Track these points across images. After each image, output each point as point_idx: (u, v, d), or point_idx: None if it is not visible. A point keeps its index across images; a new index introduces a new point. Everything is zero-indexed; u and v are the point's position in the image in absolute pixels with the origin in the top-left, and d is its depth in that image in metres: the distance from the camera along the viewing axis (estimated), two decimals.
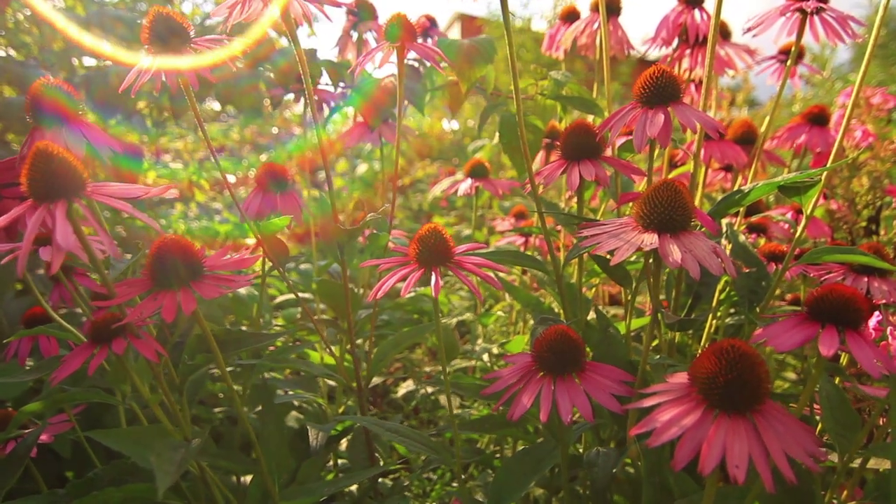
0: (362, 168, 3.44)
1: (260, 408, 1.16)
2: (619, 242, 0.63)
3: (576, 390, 0.61)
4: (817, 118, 1.12)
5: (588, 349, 0.89)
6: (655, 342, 0.94)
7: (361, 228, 0.82)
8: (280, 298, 1.55)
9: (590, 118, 0.97)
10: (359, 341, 1.62)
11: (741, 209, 0.97)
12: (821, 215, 1.20)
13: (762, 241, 1.03)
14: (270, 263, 0.86)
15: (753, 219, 0.92)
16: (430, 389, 1.57)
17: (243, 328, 1.61)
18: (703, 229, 0.76)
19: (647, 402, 0.56)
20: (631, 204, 0.74)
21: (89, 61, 1.79)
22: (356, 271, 1.21)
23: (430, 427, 1.60)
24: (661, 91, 0.67)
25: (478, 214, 3.16)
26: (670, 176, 1.19)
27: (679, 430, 0.51)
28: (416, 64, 1.20)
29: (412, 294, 1.55)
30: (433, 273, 0.63)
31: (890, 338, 0.73)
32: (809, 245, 1.21)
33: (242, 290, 1.51)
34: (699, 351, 0.97)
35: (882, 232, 1.15)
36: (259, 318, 1.53)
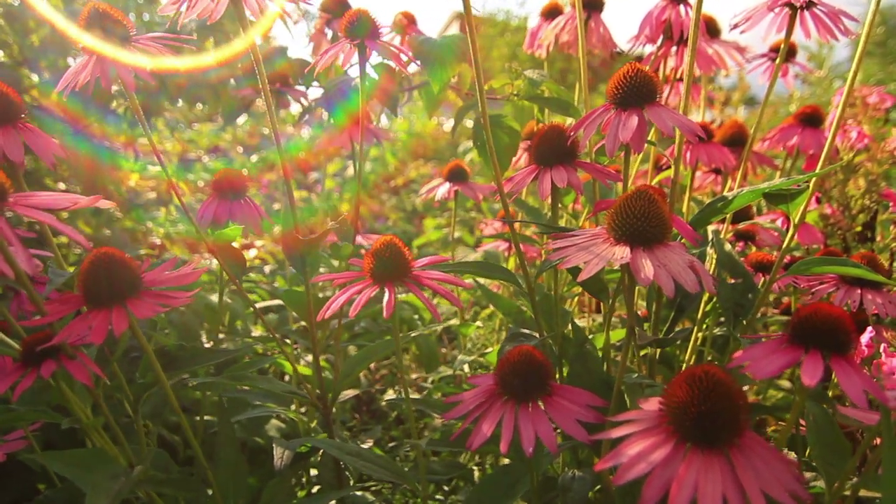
0: (352, 169, 3.39)
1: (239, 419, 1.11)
2: (589, 256, 0.58)
3: (540, 418, 0.57)
4: (810, 119, 1.07)
5: (565, 364, 0.85)
6: (633, 356, 0.90)
7: (321, 239, 0.77)
8: (260, 305, 1.50)
9: (569, 121, 0.92)
10: (331, 355, 1.58)
11: (728, 216, 0.92)
12: (814, 220, 1.15)
13: (753, 248, 0.98)
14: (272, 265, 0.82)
15: (741, 226, 0.87)
16: (415, 397, 1.53)
17: (220, 337, 1.56)
18: (682, 240, 0.71)
19: (616, 433, 0.51)
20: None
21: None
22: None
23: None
24: (636, 92, 0.62)
25: (470, 216, 3.11)
26: (655, 179, 1.14)
27: (647, 467, 0.47)
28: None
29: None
30: (387, 290, 0.58)
31: (883, 355, 0.68)
32: (801, 253, 1.16)
33: (213, 298, 1.47)
34: (684, 365, 0.92)
35: (878, 237, 1.10)
36: (230, 327, 1.49)
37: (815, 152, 1.07)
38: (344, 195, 3.43)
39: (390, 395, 1.63)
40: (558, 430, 0.64)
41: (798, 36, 0.89)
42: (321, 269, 1.30)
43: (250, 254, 2.07)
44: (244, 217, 0.81)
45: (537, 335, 0.79)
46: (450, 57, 0.93)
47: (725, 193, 0.71)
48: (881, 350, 0.68)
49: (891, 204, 1.10)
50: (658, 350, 0.86)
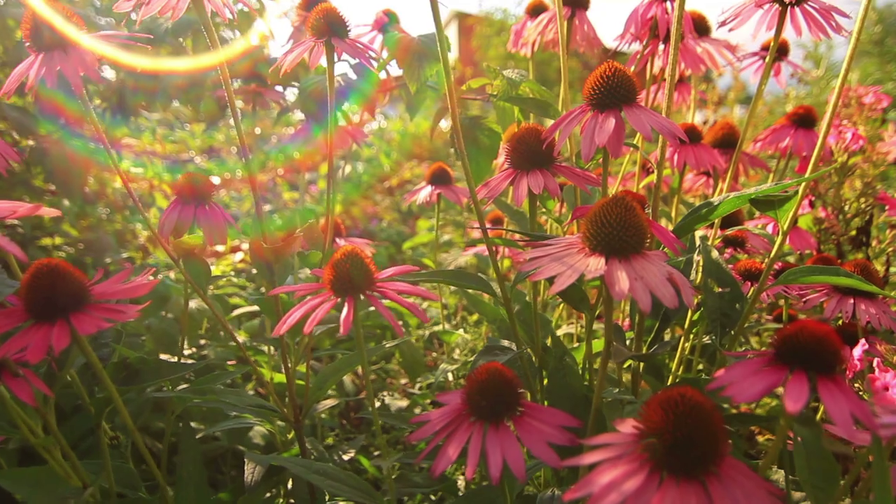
0: (346, 170, 3.36)
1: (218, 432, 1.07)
2: (562, 267, 0.54)
3: (509, 440, 0.53)
4: (803, 119, 1.03)
5: (546, 376, 0.81)
6: (618, 365, 0.86)
7: (289, 246, 0.73)
8: (238, 311, 1.46)
9: (549, 123, 0.88)
10: (316, 362, 1.54)
11: (716, 221, 0.89)
12: (808, 224, 1.11)
13: (743, 256, 0.95)
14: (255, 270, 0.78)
15: (730, 232, 0.84)
16: (404, 404, 1.49)
17: (202, 343, 1.52)
18: (664, 249, 0.67)
19: (587, 460, 0.47)
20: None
21: None
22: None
23: (398, 448, 1.52)
24: (613, 92, 0.59)
25: (463, 217, 3.07)
26: (643, 183, 1.11)
27: (618, 498, 0.43)
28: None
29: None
30: (346, 304, 0.55)
31: (877, 370, 0.64)
32: (795, 259, 1.13)
33: (192, 304, 1.43)
34: (670, 378, 0.89)
35: (874, 242, 1.07)
36: (214, 333, 1.45)
37: (808, 154, 1.04)
38: (336, 196, 3.40)
39: (383, 398, 1.59)
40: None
41: (796, 34, 0.86)
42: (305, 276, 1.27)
43: (236, 257, 2.04)
44: (209, 223, 0.77)
45: (515, 347, 0.75)
46: (428, 56, 0.90)
47: (711, 199, 0.68)
48: (874, 365, 0.65)
49: (887, 207, 1.06)
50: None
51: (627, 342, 0.83)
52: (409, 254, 2.95)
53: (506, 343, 0.78)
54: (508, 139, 0.72)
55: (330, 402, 1.13)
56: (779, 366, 0.47)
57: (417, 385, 1.53)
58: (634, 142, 0.74)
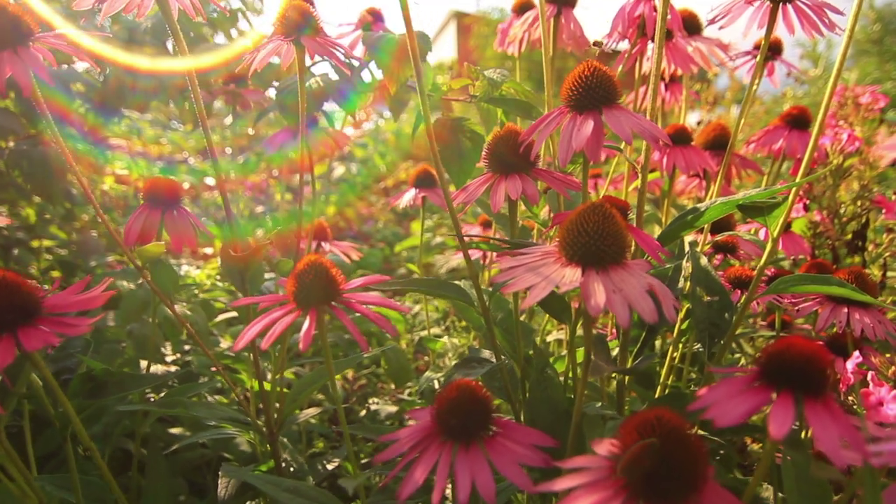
0: (339, 171, 3.32)
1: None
2: (537, 279, 0.51)
3: (479, 463, 0.50)
4: (797, 120, 1.00)
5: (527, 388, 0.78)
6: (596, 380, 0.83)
7: (258, 253, 0.70)
8: (222, 316, 1.43)
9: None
10: (301, 368, 1.50)
11: (706, 226, 0.86)
12: (802, 228, 1.08)
13: (736, 262, 0.91)
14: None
15: (720, 237, 0.81)
16: (394, 409, 1.46)
17: (186, 349, 1.49)
18: (648, 257, 0.64)
19: (560, 485, 0.44)
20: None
21: None
22: None
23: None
24: (592, 93, 0.56)
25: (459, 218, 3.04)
26: (633, 185, 1.08)
27: None
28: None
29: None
30: (308, 318, 0.52)
31: (871, 384, 0.61)
32: (789, 264, 1.09)
33: (177, 308, 1.40)
34: (658, 390, 0.86)
35: (871, 247, 1.04)
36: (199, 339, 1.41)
37: (803, 156, 1.01)
38: (330, 198, 3.36)
39: (374, 403, 1.57)
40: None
41: (789, 32, 0.83)
42: None
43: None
44: (177, 229, 0.74)
45: (495, 358, 0.72)
46: (405, 55, 0.87)
47: (698, 205, 0.64)
48: (868, 378, 0.62)
49: (884, 211, 1.03)
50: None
51: (615, 352, 0.80)
52: (404, 255, 2.92)
53: (486, 354, 0.75)
54: (488, 142, 0.69)
55: (312, 411, 1.10)
56: (764, 385, 0.44)
57: (407, 391, 1.50)
58: (621, 145, 0.71)
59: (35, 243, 1.87)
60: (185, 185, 3.15)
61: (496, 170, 0.67)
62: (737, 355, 1.08)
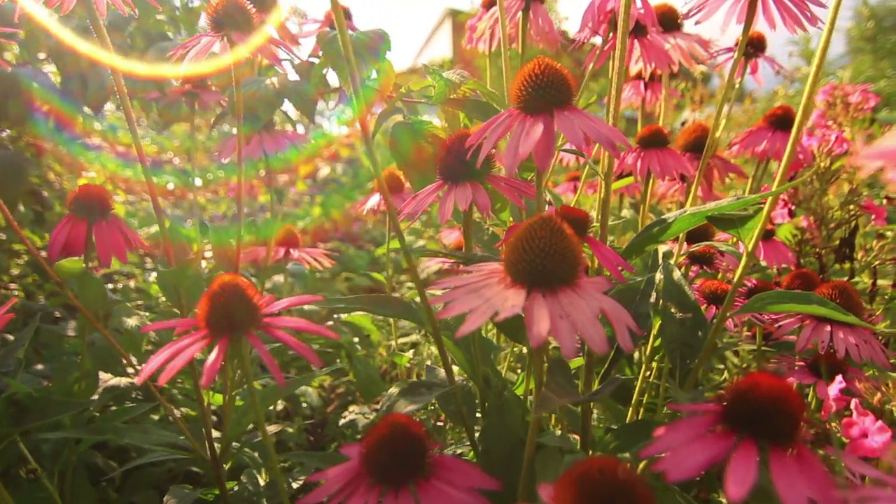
0: (324, 171, 3.26)
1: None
2: (477, 301, 0.45)
3: None
4: (782, 121, 0.94)
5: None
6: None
7: (193, 266, 0.65)
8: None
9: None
10: (270, 380, 1.44)
11: (681, 235, 0.80)
12: (788, 234, 1.02)
13: (721, 275, 0.86)
14: None
15: (696, 247, 0.75)
16: (371, 418, 1.41)
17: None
18: (609, 274, 0.59)
19: None
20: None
21: None
22: None
23: None
24: (542, 94, 0.50)
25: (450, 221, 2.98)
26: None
27: None
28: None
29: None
30: (217, 347, 0.46)
31: (855, 413, 0.56)
32: (772, 275, 1.04)
33: (133, 322, 1.34)
34: (630, 412, 0.80)
35: (860, 254, 0.98)
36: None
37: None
38: (316, 198, 3.30)
39: (352, 412, 1.51)
40: None
41: (770, 28, 0.77)
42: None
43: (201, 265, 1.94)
44: (105, 241, 0.68)
45: (450, 381, 0.67)
46: (366, 55, 0.81)
47: (666, 215, 0.59)
48: (852, 406, 0.56)
49: (873, 216, 0.97)
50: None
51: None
52: (393, 256, 2.86)
53: (442, 374, 0.69)
54: (438, 148, 0.63)
55: (273, 428, 1.05)
56: (727, 430, 0.38)
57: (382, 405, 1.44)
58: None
59: (17, 246, 1.81)
60: (170, 187, 3.09)
61: (446, 177, 0.62)
62: (719, 368, 1.03)
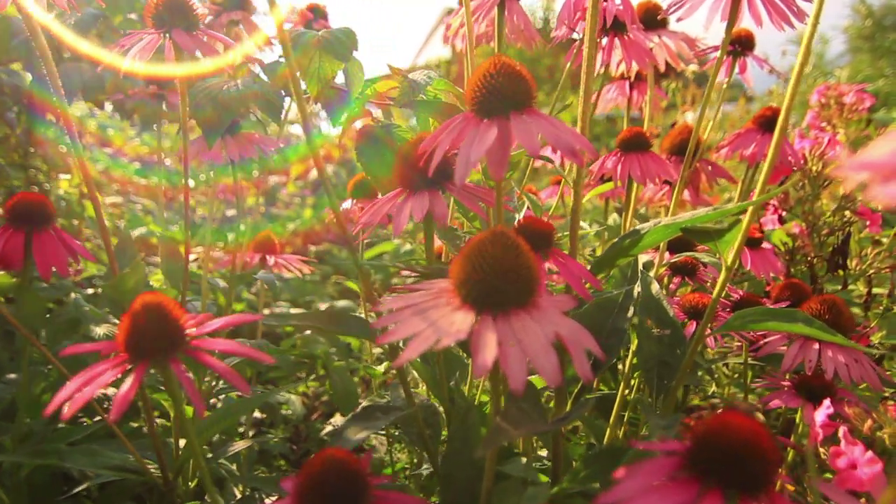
0: (315, 172, 3.22)
1: None
2: (421, 325, 0.41)
3: None
4: (771, 123, 0.90)
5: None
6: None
7: (129, 277, 0.60)
8: None
9: None
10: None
11: (661, 245, 0.75)
12: (780, 240, 0.98)
13: (712, 285, 0.81)
14: None
15: (677, 258, 0.71)
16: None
17: None
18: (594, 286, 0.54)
19: None
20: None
21: None
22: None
23: None
24: (497, 95, 0.46)
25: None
26: (593, 193, 0.98)
27: None
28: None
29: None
30: (133, 374, 0.41)
31: (843, 442, 0.51)
32: (763, 284, 0.99)
33: (101, 330, 1.30)
34: (608, 432, 0.76)
35: (855, 262, 0.93)
36: None
37: (779, 162, 0.91)
38: (307, 200, 3.26)
39: (336, 420, 1.47)
40: None
41: (756, 24, 0.73)
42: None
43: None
44: (44, 252, 0.63)
45: (410, 402, 0.62)
46: (329, 54, 0.77)
47: (639, 226, 0.54)
48: (840, 435, 0.52)
49: (868, 222, 0.93)
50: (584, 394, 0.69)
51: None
52: (387, 260, 2.81)
53: (402, 397, 0.65)
54: (396, 154, 0.59)
55: (241, 445, 1.00)
56: (692, 477, 0.34)
57: None
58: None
59: None
60: (162, 189, 3.05)
61: (404, 185, 0.57)
62: (707, 380, 0.98)
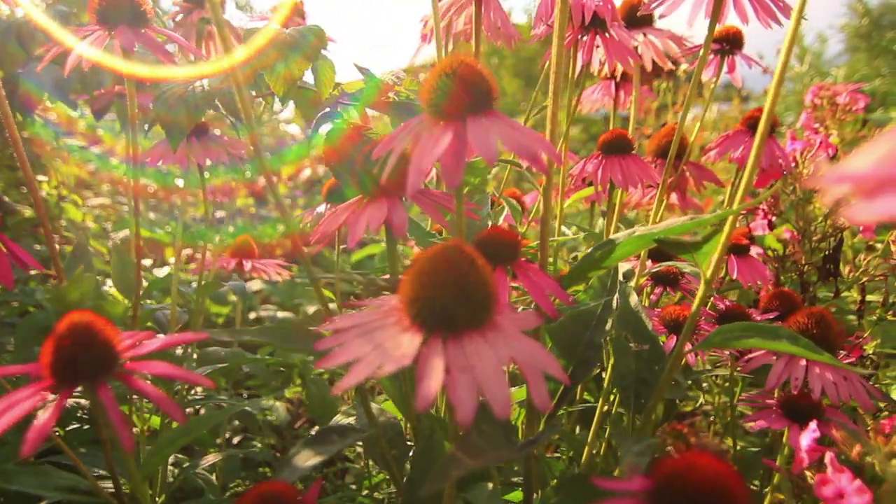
0: (306, 172, 3.18)
1: None
2: (366, 348, 0.38)
3: None
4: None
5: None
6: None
7: (73, 289, 0.57)
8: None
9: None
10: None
11: (643, 253, 0.72)
12: (770, 247, 0.94)
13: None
14: None
15: (658, 268, 0.67)
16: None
17: None
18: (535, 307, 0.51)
19: None
20: None
21: None
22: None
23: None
24: (453, 97, 0.42)
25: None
26: (572, 199, 0.94)
27: None
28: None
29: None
30: (56, 401, 0.38)
31: (830, 469, 0.48)
32: (752, 293, 0.96)
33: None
34: (587, 447, 0.72)
35: (848, 269, 0.90)
36: None
37: (768, 166, 0.87)
38: (297, 201, 3.22)
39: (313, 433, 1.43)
40: None
41: (742, 22, 0.70)
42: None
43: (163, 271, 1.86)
44: None
45: (371, 422, 0.59)
46: (293, 53, 0.74)
47: (613, 236, 0.51)
48: (826, 462, 0.48)
49: (861, 228, 0.90)
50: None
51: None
52: (378, 264, 2.77)
53: (374, 409, 0.61)
54: (355, 160, 0.55)
55: (211, 458, 0.96)
56: None
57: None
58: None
59: None
60: (151, 189, 3.02)
61: (364, 192, 0.54)
62: (695, 393, 0.95)
